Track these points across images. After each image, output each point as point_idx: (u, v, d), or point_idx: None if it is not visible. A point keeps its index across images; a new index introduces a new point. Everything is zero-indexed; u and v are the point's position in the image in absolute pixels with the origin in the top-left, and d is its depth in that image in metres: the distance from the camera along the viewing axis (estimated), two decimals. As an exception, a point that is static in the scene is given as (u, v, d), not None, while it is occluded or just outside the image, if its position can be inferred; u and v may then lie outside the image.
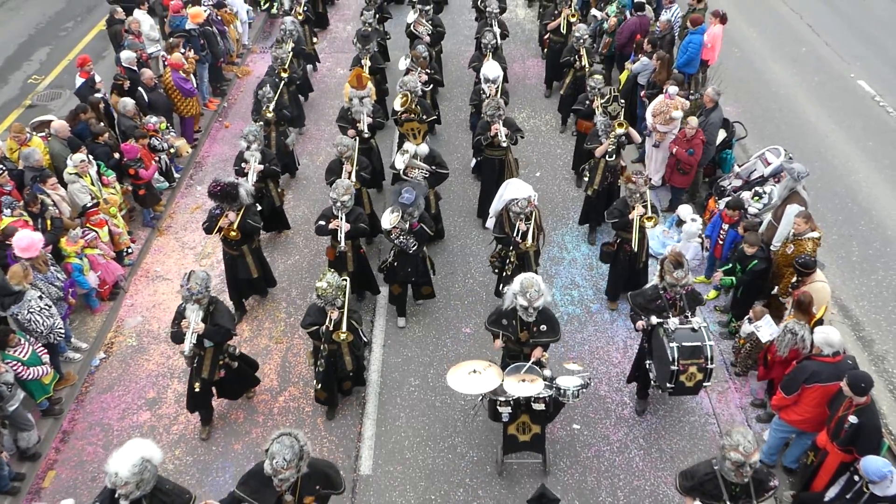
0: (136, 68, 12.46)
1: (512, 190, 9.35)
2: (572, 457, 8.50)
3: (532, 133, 14.03)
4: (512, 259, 9.41)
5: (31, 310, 8.36)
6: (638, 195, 9.37)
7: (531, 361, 7.74)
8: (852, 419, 6.81)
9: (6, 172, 9.84)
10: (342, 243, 9.22)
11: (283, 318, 10.33)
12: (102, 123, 11.50)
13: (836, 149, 13.66)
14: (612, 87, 11.47)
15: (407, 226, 9.20)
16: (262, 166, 10.42)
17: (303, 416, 8.96)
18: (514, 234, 9.27)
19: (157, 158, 11.78)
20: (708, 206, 10.41)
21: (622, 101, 10.99)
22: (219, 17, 14.93)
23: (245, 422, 8.94)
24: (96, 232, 10.12)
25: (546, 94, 15.19)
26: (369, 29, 13.68)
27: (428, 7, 14.35)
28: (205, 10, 14.18)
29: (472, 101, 12.49)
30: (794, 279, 8.59)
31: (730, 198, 11.08)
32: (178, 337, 7.94)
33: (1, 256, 8.86)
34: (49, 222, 9.55)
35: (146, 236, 11.63)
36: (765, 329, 8.54)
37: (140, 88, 12.30)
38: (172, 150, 12.32)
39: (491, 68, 11.99)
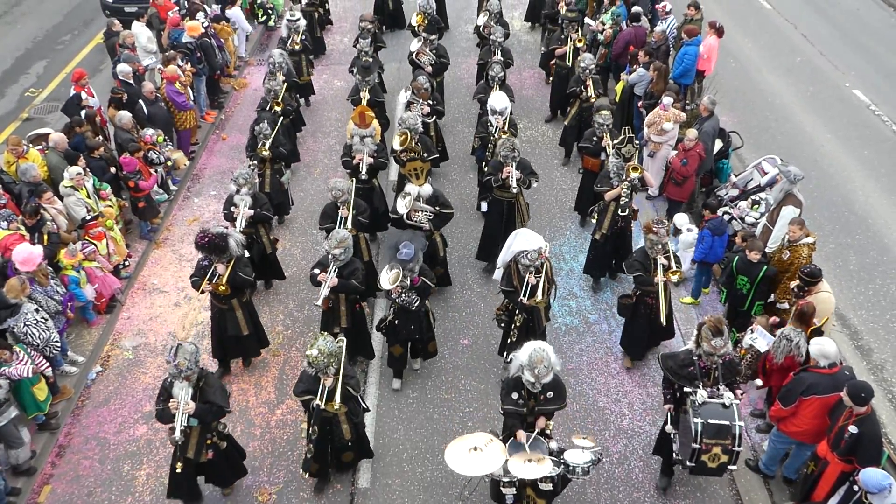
0: (132, 81, 12.46)
1: (521, 241, 8.70)
2: (571, 468, 8.45)
3: (529, 143, 14.04)
4: (521, 313, 8.78)
5: (27, 323, 8.33)
6: (660, 246, 8.75)
7: (536, 432, 7.17)
8: (852, 429, 6.79)
9: (2, 185, 9.83)
10: (322, 296, 8.52)
11: (281, 331, 10.30)
12: (100, 137, 11.51)
13: (832, 158, 13.70)
14: (626, 126, 10.77)
15: (408, 282, 8.54)
16: (252, 211, 9.78)
17: (300, 430, 8.91)
18: (524, 289, 8.57)
19: (153, 171, 11.77)
20: (704, 217, 10.42)
21: (637, 141, 10.33)
22: (214, 31, 14.93)
23: (242, 435, 8.89)
24: (95, 245, 10.10)
25: (548, 117, 14.82)
26: (370, 60, 13.07)
27: (434, 36, 13.77)
28: (202, 24, 14.19)
29: (479, 134, 11.99)
30: (797, 287, 8.52)
31: (726, 207, 11.14)
32: (165, 417, 7.20)
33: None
34: (46, 236, 9.53)
35: (143, 249, 11.60)
36: (761, 340, 8.54)
37: (140, 101, 12.31)
38: (170, 163, 12.31)
39: (499, 99, 11.54)
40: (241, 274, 8.68)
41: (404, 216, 9.79)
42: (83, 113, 11.76)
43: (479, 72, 14.55)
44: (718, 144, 11.90)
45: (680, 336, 9.83)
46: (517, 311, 8.77)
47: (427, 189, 9.86)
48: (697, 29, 13.32)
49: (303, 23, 14.70)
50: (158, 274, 11.28)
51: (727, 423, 6.99)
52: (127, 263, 11.05)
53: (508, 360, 8.62)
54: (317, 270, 8.65)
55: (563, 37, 14.17)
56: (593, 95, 12.44)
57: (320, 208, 12.22)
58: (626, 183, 9.88)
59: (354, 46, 13.60)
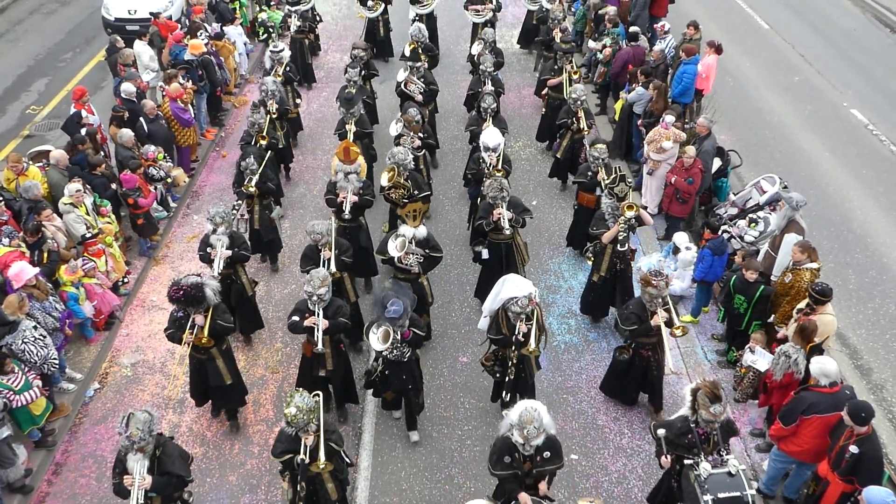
0: (135, 99, 12.53)
1: (510, 288, 8.25)
2: (570, 487, 8.42)
3: (528, 162, 14.09)
4: (513, 362, 8.36)
5: (25, 340, 8.30)
6: (659, 300, 8.27)
7: (539, 496, 6.91)
8: (853, 449, 6.77)
9: (3, 202, 9.85)
10: (320, 344, 8.07)
11: (280, 348, 10.28)
12: (101, 153, 11.55)
13: (831, 177, 13.74)
14: (617, 165, 10.52)
15: (398, 336, 8.03)
16: (229, 252, 9.30)
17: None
18: (514, 336, 8.18)
19: (153, 188, 11.80)
20: (704, 236, 10.44)
21: (630, 180, 10.04)
22: (214, 49, 15.02)
23: (240, 453, 8.85)
24: (94, 262, 10.10)
25: (544, 148, 14.44)
26: (353, 91, 12.59)
27: (419, 64, 13.31)
28: (204, 42, 14.27)
29: (470, 170, 11.52)
30: (805, 305, 8.46)
31: (725, 226, 11.16)
32: (121, 492, 6.71)
33: (-3, 287, 8.84)
34: (46, 254, 9.53)
35: (142, 266, 11.60)
36: (761, 361, 8.53)
37: (141, 119, 12.36)
38: (170, 180, 12.33)
39: (491, 136, 11.03)
40: (221, 322, 8.27)
41: (396, 259, 9.25)
42: (84, 130, 11.80)
43: (468, 100, 14.29)
44: (717, 163, 11.93)
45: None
46: (511, 362, 8.37)
47: (422, 231, 9.39)
48: (696, 48, 13.39)
49: (287, 54, 14.32)
50: (157, 291, 11.26)
51: (738, 493, 6.65)
52: (126, 280, 11.05)
53: (507, 400, 8.44)
54: (296, 318, 8.15)
55: (556, 67, 13.91)
56: (585, 127, 12.23)
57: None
58: (622, 223, 9.54)
59: (344, 73, 13.35)
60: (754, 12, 20.40)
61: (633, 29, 14.53)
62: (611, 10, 15.33)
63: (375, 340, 7.94)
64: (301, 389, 7.03)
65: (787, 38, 18.96)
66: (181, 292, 8.00)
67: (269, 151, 11.55)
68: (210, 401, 9.12)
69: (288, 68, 14.15)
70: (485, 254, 10.30)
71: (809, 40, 18.88)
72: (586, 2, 16.91)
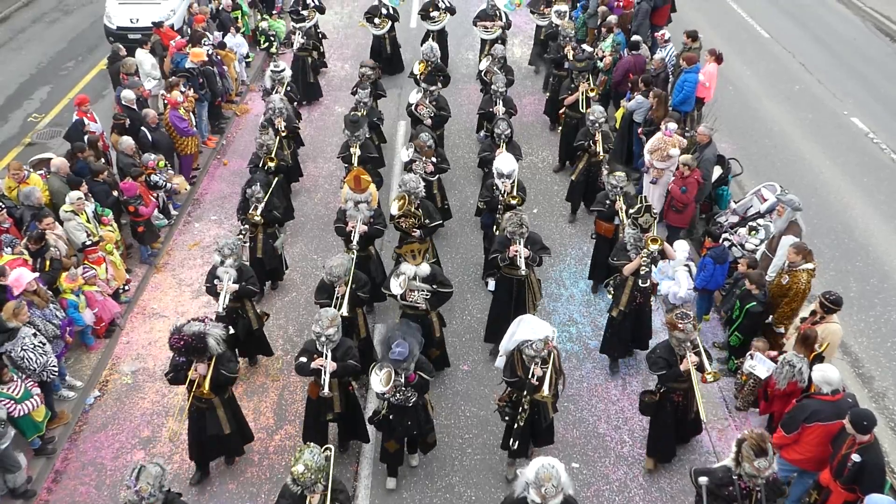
0: (136, 107, 12.55)
1: (526, 329, 7.79)
2: (572, 496, 8.38)
3: (529, 170, 14.09)
4: (525, 406, 7.91)
5: (24, 347, 8.29)
6: (688, 343, 7.79)
7: None
8: (855, 457, 6.75)
9: (5, 210, 9.86)
10: (326, 388, 7.63)
11: (280, 356, 10.27)
12: (103, 161, 11.57)
13: (832, 185, 13.75)
14: (642, 195, 10.01)
15: (402, 379, 7.58)
16: (236, 286, 8.97)
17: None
18: (529, 379, 7.72)
19: (155, 195, 11.81)
20: (705, 244, 10.45)
21: (655, 210, 9.62)
22: (219, 58, 15.08)
23: (240, 461, 8.82)
24: (95, 269, 10.10)
25: (556, 168, 14.19)
26: (359, 114, 12.20)
27: (433, 87, 12.91)
28: (206, 50, 14.32)
29: (483, 198, 10.93)
30: (812, 312, 8.50)
31: (726, 234, 11.16)
32: None
33: (-2, 295, 8.83)
34: (48, 262, 9.53)
35: (143, 273, 11.60)
36: (760, 367, 8.52)
37: (143, 127, 12.39)
38: (171, 188, 12.35)
39: (505, 162, 10.54)
40: (225, 371, 7.77)
41: (398, 297, 8.92)
42: (86, 138, 11.82)
43: (479, 122, 13.95)
44: (718, 171, 11.94)
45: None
46: (522, 407, 7.92)
47: (424, 269, 8.93)
48: (696, 57, 13.42)
49: (288, 73, 13.98)
50: (158, 298, 11.27)
51: None
52: (127, 288, 11.04)
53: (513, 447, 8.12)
54: (304, 359, 7.79)
55: (572, 85, 13.43)
56: (601, 151, 11.82)
57: (321, 234, 12.39)
58: (644, 255, 9.13)
59: (353, 94, 13.05)
60: (755, 21, 20.46)
61: (634, 37, 14.56)
62: (612, 17, 15.37)
63: (377, 382, 7.50)
64: (311, 445, 6.53)
65: (788, 47, 19.00)
66: (182, 342, 7.51)
67: (277, 177, 11.27)
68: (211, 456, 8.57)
69: (289, 87, 13.90)
70: (490, 285, 9.90)
71: (810, 49, 18.92)
72: (586, 10, 16.94)
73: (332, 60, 18.36)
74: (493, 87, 12.88)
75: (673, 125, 11.72)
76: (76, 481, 8.64)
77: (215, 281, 9.01)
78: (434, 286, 8.99)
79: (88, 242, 10.20)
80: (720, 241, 10.37)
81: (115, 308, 10.43)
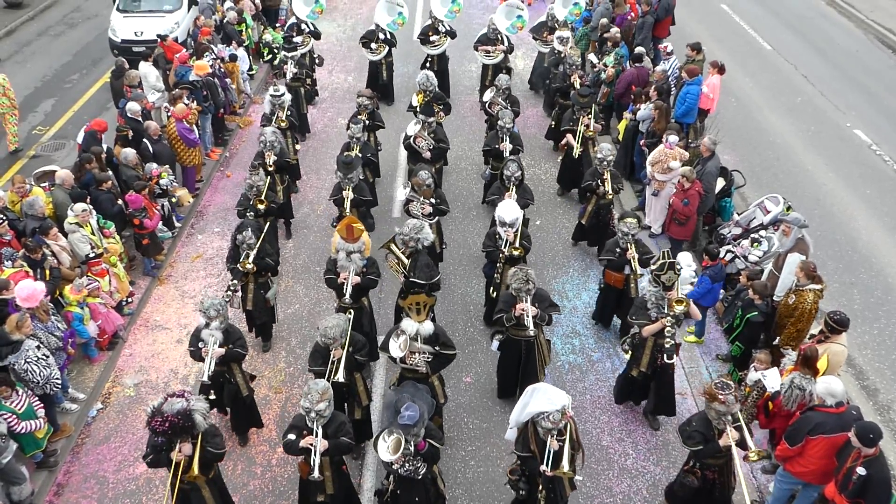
0: (140, 119, 12.61)
1: (541, 401, 7.15)
2: (575, 509, 8.35)
3: (532, 181, 14.08)
4: (542, 492, 7.28)
5: (28, 360, 8.29)
6: (728, 417, 7.11)
7: None
8: (860, 471, 6.71)
9: (6, 222, 9.89)
10: (316, 471, 6.99)
11: (283, 368, 10.25)
12: (108, 171, 11.61)
13: (835, 197, 13.75)
14: (665, 249, 9.05)
15: (412, 448, 6.93)
16: (222, 350, 8.26)
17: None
18: (545, 457, 7.08)
19: (159, 206, 11.84)
20: (703, 263, 10.44)
21: (679, 266, 8.73)
22: (223, 70, 15.16)
23: (243, 473, 8.80)
24: (98, 281, 10.11)
25: (558, 191, 13.84)
26: (353, 154, 11.54)
27: (432, 119, 12.33)
28: (209, 63, 14.38)
29: (486, 247, 10.22)
30: (819, 332, 8.42)
31: (729, 245, 11.16)
32: None
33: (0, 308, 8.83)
34: (48, 272, 9.55)
35: (146, 285, 11.61)
36: (770, 379, 8.46)
37: (145, 139, 12.43)
38: (174, 200, 12.38)
39: (508, 210, 9.88)
40: (211, 448, 7.12)
41: (398, 360, 8.13)
42: (94, 148, 11.84)
43: (484, 157, 13.41)
44: (721, 183, 11.95)
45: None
46: (539, 491, 7.31)
47: (428, 327, 8.07)
48: (699, 69, 13.46)
49: (288, 98, 13.31)
50: (161, 311, 11.27)
51: None
52: (130, 300, 11.04)
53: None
54: (292, 436, 7.12)
55: (574, 118, 12.99)
56: (610, 191, 11.35)
57: (323, 246, 12.39)
58: (669, 319, 8.39)
59: (347, 129, 12.38)
60: (757, 34, 20.52)
61: (638, 49, 14.61)
62: (614, 30, 15.43)
63: (385, 450, 6.81)
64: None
65: (790, 60, 19.04)
66: (167, 424, 6.77)
67: (268, 220, 10.85)
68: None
69: (290, 112, 13.38)
70: (494, 345, 9.31)
71: (812, 61, 18.96)
72: (588, 22, 17.01)
73: (335, 72, 18.45)
74: (499, 122, 12.23)
75: (674, 137, 11.73)
76: (78, 494, 8.62)
77: (199, 344, 8.26)
78: (437, 347, 8.18)
79: (92, 255, 10.22)
80: (722, 251, 10.35)
81: (118, 320, 10.43)
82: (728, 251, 11.12)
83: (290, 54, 15.42)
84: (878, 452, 6.78)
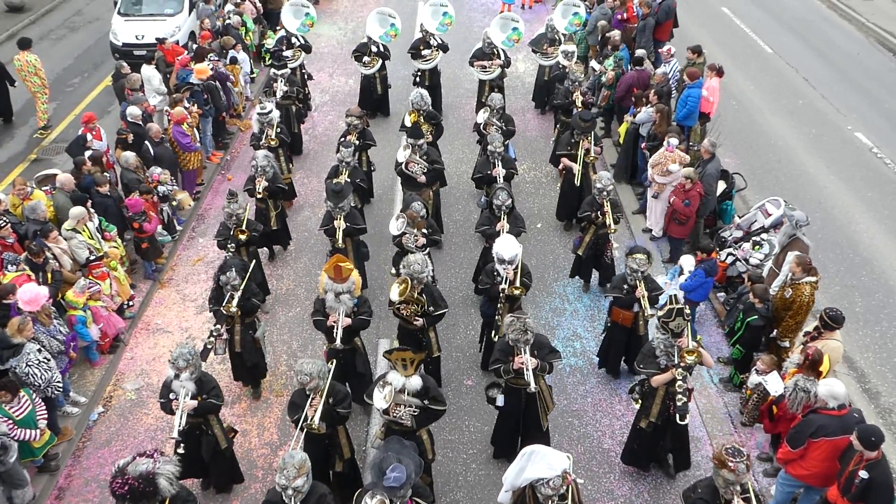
0: (140, 122, 12.63)
1: (539, 466, 6.68)
2: (577, 513, 8.32)
3: (532, 185, 14.11)
4: None
5: (29, 363, 8.28)
6: (737, 486, 6.52)
7: None
8: (863, 474, 6.69)
9: (8, 226, 9.90)
10: None
11: (284, 371, 10.25)
12: (107, 175, 11.63)
13: (836, 200, 13.74)
14: (673, 294, 8.52)
15: None
16: (195, 402, 7.63)
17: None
18: None
19: (161, 209, 11.85)
20: (696, 258, 10.44)
21: (688, 313, 8.15)
22: (227, 72, 15.18)
23: (244, 477, 8.78)
24: (99, 284, 10.11)
25: (560, 220, 13.14)
26: (342, 183, 10.81)
27: (421, 142, 11.56)
28: (209, 66, 14.40)
29: (483, 286, 9.70)
30: (814, 328, 8.49)
31: (730, 248, 11.16)
32: None
33: (2, 312, 8.83)
34: (50, 276, 9.56)
35: (147, 289, 11.61)
36: (773, 383, 8.46)
37: (146, 142, 12.45)
38: (175, 203, 12.39)
39: (506, 246, 9.22)
40: None
41: (381, 410, 7.62)
42: (88, 154, 11.86)
43: (476, 184, 12.74)
44: (722, 186, 11.95)
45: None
46: None
47: (415, 383, 7.52)
48: (699, 72, 13.47)
49: (276, 115, 12.79)
50: (162, 314, 11.27)
51: None
52: (131, 304, 11.04)
53: None
54: None
55: (573, 140, 12.31)
56: (611, 224, 10.68)
57: (324, 249, 12.38)
58: (680, 371, 7.88)
59: (336, 153, 11.85)
60: (758, 37, 20.52)
61: (638, 52, 14.61)
62: (615, 33, 15.44)
63: None
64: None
65: (791, 63, 19.05)
66: (126, 487, 6.23)
67: (254, 258, 10.52)
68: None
69: (279, 129, 12.79)
70: (500, 401, 8.59)
71: (813, 64, 18.97)
72: (586, 26, 16.98)
73: (336, 75, 18.48)
74: (490, 147, 11.55)
75: (674, 140, 11.74)
76: (79, 498, 8.61)
77: (171, 395, 7.67)
78: (425, 401, 7.59)
79: (92, 258, 10.22)
80: (723, 255, 10.35)
81: (119, 324, 10.43)
82: (729, 254, 11.13)
83: (279, 72, 14.54)
84: (880, 456, 6.77)
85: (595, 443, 9.20)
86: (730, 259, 11.08)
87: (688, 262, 11.04)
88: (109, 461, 9.02)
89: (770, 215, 11.12)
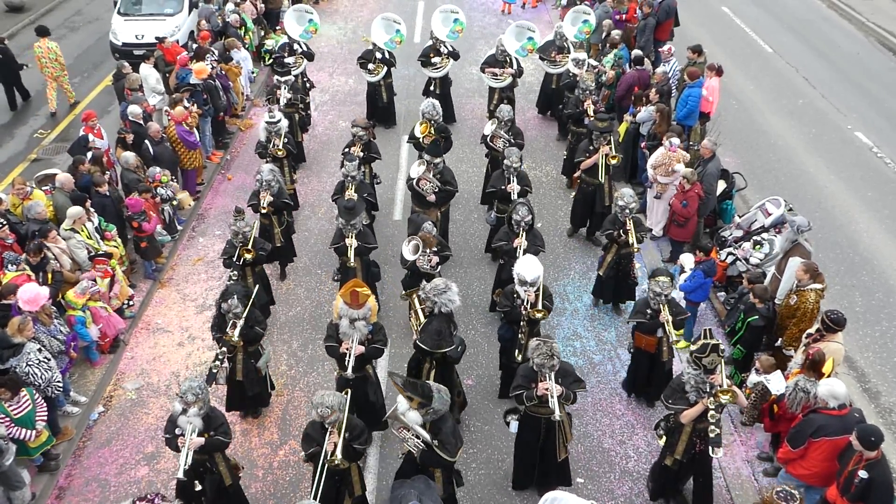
0: (141, 122, 12.63)
1: None
2: (577, 512, 8.32)
3: (533, 184, 14.07)
4: None
5: (29, 362, 8.29)
6: None
7: None
8: (862, 474, 6.70)
9: (6, 226, 9.90)
10: None
11: (285, 371, 10.25)
12: (107, 175, 11.63)
13: (836, 199, 13.75)
14: (707, 328, 7.86)
15: None
16: (202, 440, 7.34)
17: (303, 470, 8.82)
18: None
19: (161, 209, 11.86)
20: (696, 259, 10.44)
21: (723, 349, 7.71)
22: (224, 73, 15.17)
23: (244, 476, 8.75)
24: (98, 284, 10.09)
25: (569, 231, 12.86)
26: (353, 199, 10.45)
27: (438, 161, 11.22)
28: (208, 66, 14.40)
29: (502, 307, 9.30)
30: (816, 330, 8.46)
31: (730, 248, 11.16)
32: None
33: (2, 312, 8.83)
34: (50, 276, 9.56)
35: (147, 288, 11.61)
36: (775, 382, 8.46)
37: (146, 141, 12.45)
38: (175, 203, 12.39)
39: (528, 267, 8.82)
40: None
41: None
42: (90, 154, 11.88)
43: (485, 198, 12.51)
44: (722, 185, 11.95)
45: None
46: None
47: (415, 417, 7.14)
48: (699, 71, 13.47)
49: (284, 124, 12.51)
50: (162, 314, 11.27)
51: None
52: (131, 303, 11.04)
53: None
54: None
55: (591, 147, 11.99)
56: (635, 242, 10.32)
57: (324, 248, 12.38)
58: (713, 413, 7.45)
59: (341, 168, 11.38)
60: (758, 36, 20.52)
61: (636, 52, 14.61)
62: (615, 32, 15.44)
63: None
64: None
65: (791, 62, 19.05)
66: None
67: (259, 281, 10.25)
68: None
69: (286, 139, 12.46)
70: (512, 426, 8.28)
71: (813, 64, 18.97)
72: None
73: (336, 75, 18.48)
74: (505, 161, 11.20)
75: (676, 140, 11.74)
76: (79, 498, 8.61)
77: (176, 431, 7.36)
78: (435, 441, 7.17)
79: (98, 255, 10.22)
80: (723, 254, 10.36)
81: (119, 324, 10.43)
82: (729, 254, 11.13)
83: (283, 78, 14.29)
84: (879, 455, 6.77)
85: (595, 442, 9.20)
86: (730, 258, 11.08)
87: (688, 259, 11.05)
88: (110, 461, 9.04)
89: (770, 215, 11.11)
